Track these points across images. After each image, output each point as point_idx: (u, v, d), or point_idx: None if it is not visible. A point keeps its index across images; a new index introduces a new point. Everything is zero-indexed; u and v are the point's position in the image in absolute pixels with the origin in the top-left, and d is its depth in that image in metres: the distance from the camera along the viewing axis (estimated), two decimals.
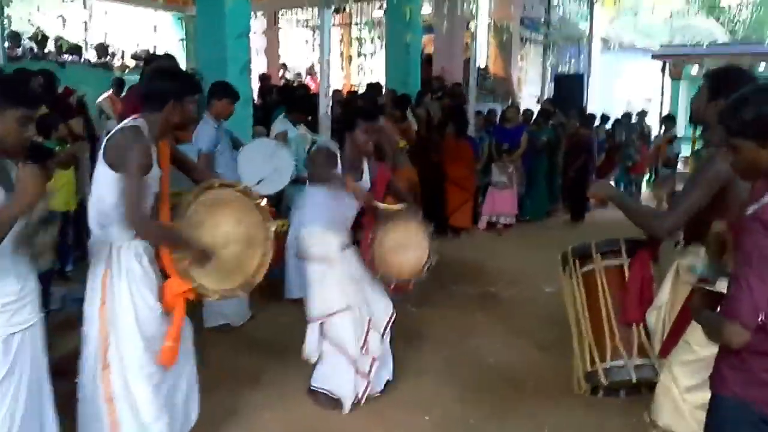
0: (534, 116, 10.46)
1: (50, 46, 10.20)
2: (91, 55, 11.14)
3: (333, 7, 7.32)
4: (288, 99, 6.90)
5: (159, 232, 2.82)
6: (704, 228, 2.63)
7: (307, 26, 16.77)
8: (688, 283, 2.69)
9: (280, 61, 15.00)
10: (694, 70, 14.27)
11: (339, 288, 3.67)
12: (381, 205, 3.71)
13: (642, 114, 13.16)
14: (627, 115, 12.83)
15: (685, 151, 11.82)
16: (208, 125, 4.78)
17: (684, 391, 2.63)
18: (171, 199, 2.92)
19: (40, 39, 10.17)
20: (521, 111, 10.10)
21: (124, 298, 2.72)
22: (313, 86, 11.28)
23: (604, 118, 12.25)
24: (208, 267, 2.84)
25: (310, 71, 14.11)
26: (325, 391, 3.76)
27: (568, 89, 13.87)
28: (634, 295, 3.31)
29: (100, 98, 8.32)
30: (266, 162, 5.08)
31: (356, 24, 16.71)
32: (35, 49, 9.75)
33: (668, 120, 11.38)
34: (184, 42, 12.22)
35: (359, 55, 17.04)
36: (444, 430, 3.64)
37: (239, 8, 6.98)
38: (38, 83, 5.67)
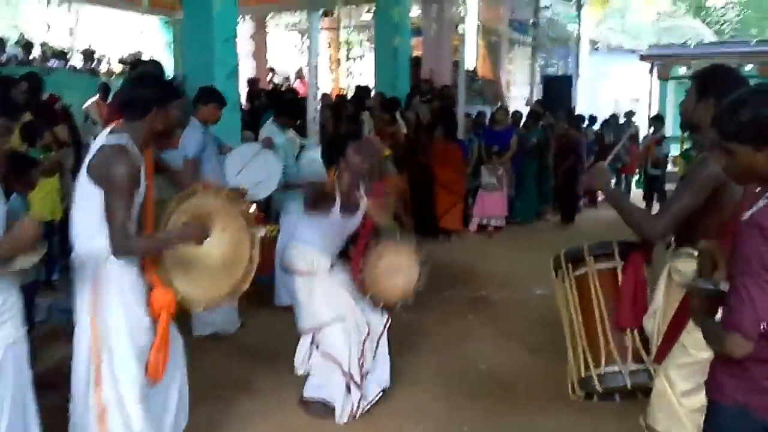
0: (524, 118, 10.47)
1: (36, 52, 10.12)
2: (77, 60, 11.06)
3: (321, 11, 7.29)
4: (276, 103, 6.86)
5: (147, 246, 2.77)
6: (696, 230, 2.62)
7: (295, 29, 16.75)
8: (681, 287, 2.67)
9: (268, 65, 14.95)
10: (682, 70, 14.33)
11: (326, 300, 3.65)
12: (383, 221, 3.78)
13: (629, 114, 13.21)
14: (614, 116, 12.87)
15: (674, 151, 11.85)
16: (195, 130, 4.73)
17: (681, 396, 2.60)
18: (155, 207, 2.87)
19: (25, 45, 10.09)
20: (510, 113, 10.10)
21: (115, 310, 2.67)
22: (302, 90, 11.23)
23: (592, 119, 12.29)
24: (193, 276, 2.79)
25: (299, 75, 14.07)
26: (318, 400, 3.71)
27: (557, 91, 13.92)
28: (628, 299, 3.29)
29: (87, 103, 8.26)
30: (253, 167, 5.03)
31: (345, 27, 16.70)
32: (20, 55, 9.67)
33: (657, 120, 11.42)
34: (172, 47, 12.13)
35: (348, 58, 17.03)
36: None
37: (226, 12, 6.93)
38: (22, 89, 5.60)
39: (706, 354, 2.05)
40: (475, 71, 13.92)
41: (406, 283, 3.75)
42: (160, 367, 2.74)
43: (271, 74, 14.48)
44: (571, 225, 9.89)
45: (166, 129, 2.83)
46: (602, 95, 17.35)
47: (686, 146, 11.54)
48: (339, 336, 3.62)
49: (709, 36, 18.58)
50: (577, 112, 12.15)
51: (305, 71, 10.93)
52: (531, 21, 15.26)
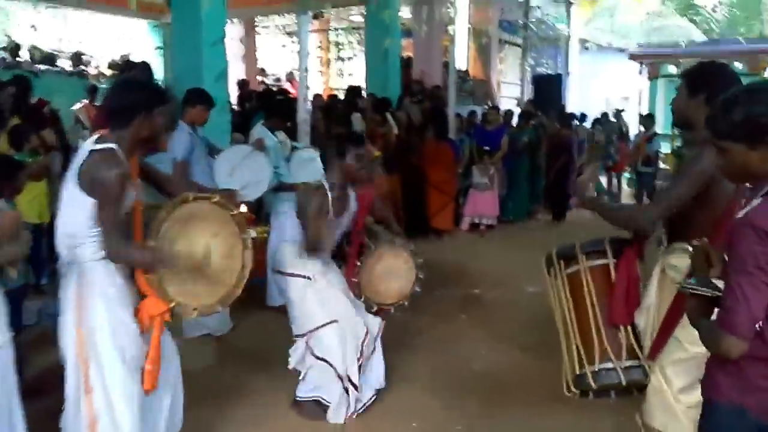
0: (515, 118, 10.47)
1: (24, 56, 10.06)
2: (65, 64, 10.99)
3: (311, 13, 7.27)
4: (267, 105, 6.83)
5: (135, 258, 2.71)
6: (689, 226, 2.62)
7: (284, 32, 16.72)
8: (675, 283, 2.66)
9: (259, 67, 14.92)
10: (672, 68, 14.38)
11: (320, 303, 3.62)
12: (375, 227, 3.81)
13: (618, 112, 13.24)
14: (605, 115, 12.91)
15: (665, 148, 11.90)
16: (183, 132, 4.71)
17: (677, 392, 2.59)
18: (146, 212, 2.83)
19: (13, 48, 10.02)
20: (502, 113, 10.11)
21: (100, 318, 2.62)
22: (293, 91, 11.20)
23: (582, 117, 12.31)
24: (187, 283, 2.76)
25: (290, 77, 14.03)
26: (313, 398, 3.67)
27: (547, 90, 13.97)
28: (621, 296, 3.27)
29: (76, 107, 8.20)
30: (243, 169, 5.00)
31: (335, 29, 16.69)
32: (8, 59, 9.60)
33: (647, 118, 11.45)
34: (161, 50, 12.07)
35: (338, 59, 17.02)
36: None
37: (215, 15, 6.89)
38: (9, 93, 5.56)
39: (701, 349, 2.04)
40: (465, 71, 13.94)
41: (402, 287, 3.81)
42: (154, 378, 2.70)
43: (261, 76, 14.45)
44: (563, 223, 9.90)
45: (152, 135, 2.78)
46: (592, 94, 17.38)
47: (677, 144, 11.61)
48: (333, 339, 3.59)
49: (697, 35, 18.64)
50: (567, 111, 12.17)
51: (296, 73, 10.91)
52: (521, 21, 15.29)
